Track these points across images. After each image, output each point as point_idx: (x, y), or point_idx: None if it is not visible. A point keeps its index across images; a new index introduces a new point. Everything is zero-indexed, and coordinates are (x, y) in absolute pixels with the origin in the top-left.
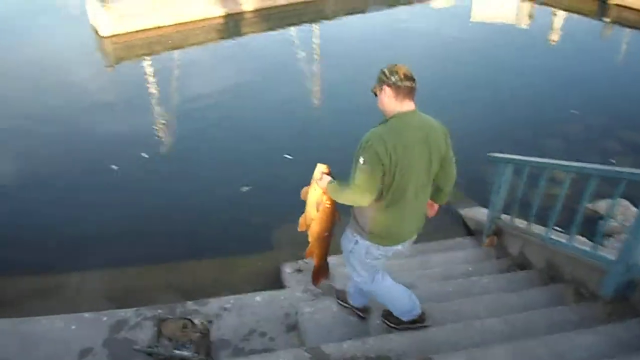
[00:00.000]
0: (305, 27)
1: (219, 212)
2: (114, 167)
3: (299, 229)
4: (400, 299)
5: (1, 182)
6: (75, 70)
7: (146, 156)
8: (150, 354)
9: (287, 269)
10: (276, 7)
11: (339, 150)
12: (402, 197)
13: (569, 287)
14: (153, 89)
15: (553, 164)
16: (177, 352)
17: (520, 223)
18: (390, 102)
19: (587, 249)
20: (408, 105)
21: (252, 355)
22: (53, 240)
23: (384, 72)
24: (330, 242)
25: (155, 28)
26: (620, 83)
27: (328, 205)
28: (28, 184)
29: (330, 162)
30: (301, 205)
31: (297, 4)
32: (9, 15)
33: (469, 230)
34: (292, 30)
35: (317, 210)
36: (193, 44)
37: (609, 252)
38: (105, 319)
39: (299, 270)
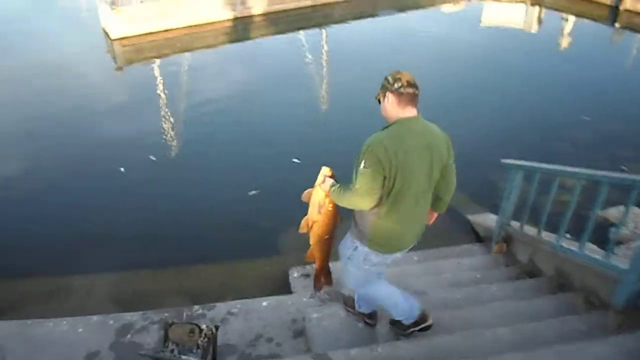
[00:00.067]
0: (314, 31)
1: (226, 216)
2: (121, 169)
3: (300, 231)
4: (394, 300)
5: (12, 185)
6: (85, 72)
7: (154, 159)
8: (156, 359)
9: (295, 274)
10: (285, 11)
11: (347, 154)
12: (402, 202)
13: (578, 296)
14: (162, 92)
15: (564, 170)
16: (183, 357)
17: (530, 230)
18: (393, 108)
19: (599, 257)
20: (410, 112)
21: None
22: (61, 243)
23: (387, 79)
24: (331, 245)
25: (164, 31)
26: (630, 88)
27: (330, 208)
28: (37, 187)
29: (339, 166)
30: (306, 209)
31: (305, 7)
32: (20, 18)
33: (478, 237)
34: (301, 34)
35: (319, 213)
36: (202, 47)
37: (621, 260)
38: (112, 322)
39: (307, 275)
